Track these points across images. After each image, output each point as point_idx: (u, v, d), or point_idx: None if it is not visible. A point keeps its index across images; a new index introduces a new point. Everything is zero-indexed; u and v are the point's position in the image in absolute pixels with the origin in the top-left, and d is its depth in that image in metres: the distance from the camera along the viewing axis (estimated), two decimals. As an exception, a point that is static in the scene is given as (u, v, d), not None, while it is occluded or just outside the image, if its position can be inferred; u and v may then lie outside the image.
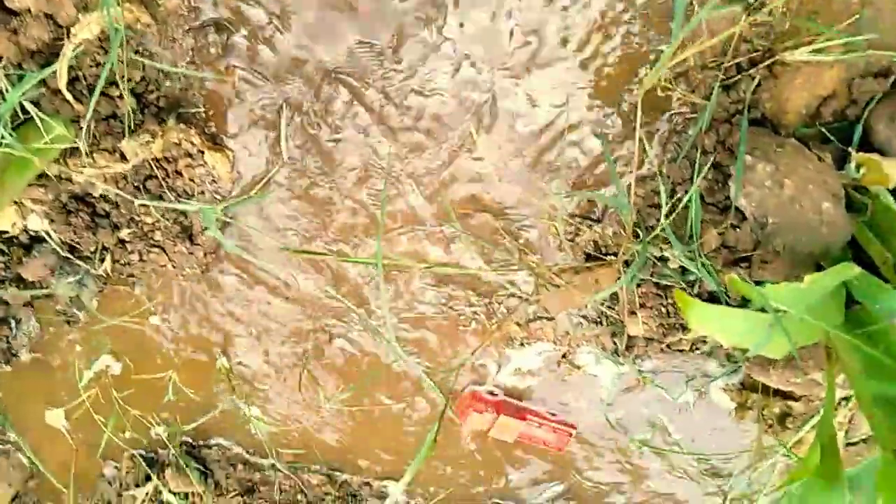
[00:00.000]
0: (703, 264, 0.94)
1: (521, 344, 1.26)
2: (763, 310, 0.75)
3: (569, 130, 0.98)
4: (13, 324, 1.26)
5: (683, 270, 1.02)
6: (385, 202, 1.01)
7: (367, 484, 1.49)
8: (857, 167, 0.83)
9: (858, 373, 0.81)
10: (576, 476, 1.46)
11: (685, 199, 0.87)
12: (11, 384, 1.40)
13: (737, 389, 1.31)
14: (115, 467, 1.52)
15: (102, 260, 1.06)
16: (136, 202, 0.97)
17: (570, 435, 1.35)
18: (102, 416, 1.40)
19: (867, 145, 0.87)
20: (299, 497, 1.48)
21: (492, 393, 1.33)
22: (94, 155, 0.97)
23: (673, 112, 0.97)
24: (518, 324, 1.22)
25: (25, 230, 1.09)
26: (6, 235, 1.10)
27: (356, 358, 1.30)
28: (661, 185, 0.83)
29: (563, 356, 1.27)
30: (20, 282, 1.17)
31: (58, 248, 1.09)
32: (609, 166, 0.92)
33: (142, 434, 1.45)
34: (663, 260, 1.02)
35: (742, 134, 0.83)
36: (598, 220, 1.07)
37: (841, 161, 0.87)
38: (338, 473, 1.49)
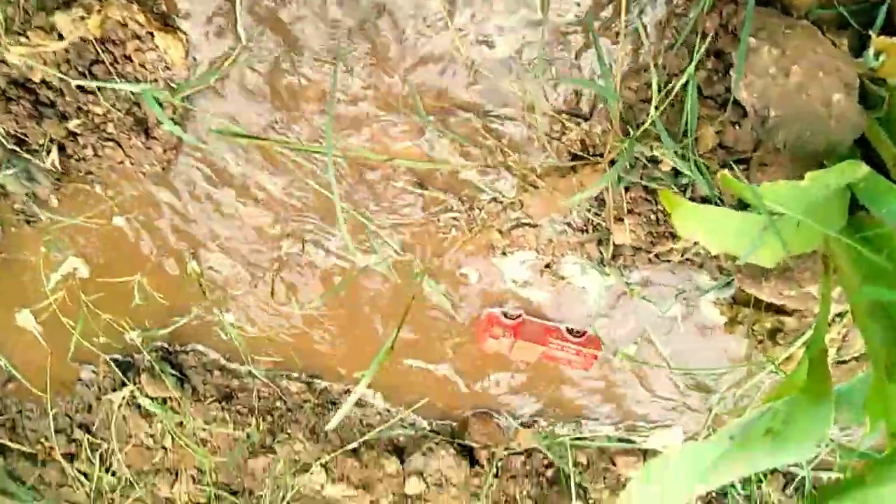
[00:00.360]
0: (696, 164, 0.86)
1: (504, 253, 1.20)
2: (757, 213, 0.67)
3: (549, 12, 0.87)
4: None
5: (676, 173, 0.94)
6: (337, 78, 0.92)
7: (348, 392, 1.48)
8: (877, 54, 0.73)
9: (856, 282, 0.75)
10: (559, 389, 1.43)
11: (676, 86, 0.77)
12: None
13: (728, 303, 1.25)
14: (93, 371, 1.50)
15: (49, 152, 0.98)
16: (73, 83, 0.88)
17: (596, 357, 1.30)
18: (74, 319, 1.36)
19: (890, 29, 0.77)
20: (278, 404, 1.46)
21: (509, 315, 1.28)
22: (28, 33, 0.87)
23: (673, -8, 0.86)
24: (500, 231, 1.15)
25: (-33, 120, 1.01)
26: (-52, 125, 1.03)
27: (330, 263, 1.24)
28: (653, 70, 0.74)
29: (547, 266, 1.21)
30: (-30, 177, 1.10)
31: (3, 140, 1.01)
32: (596, 49, 0.82)
33: (116, 339, 1.42)
34: (654, 161, 0.93)
35: (748, 11, 0.73)
36: (586, 118, 0.97)
37: (859, 48, 0.77)
38: (317, 381, 1.46)
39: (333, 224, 1.18)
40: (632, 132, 0.87)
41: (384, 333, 1.35)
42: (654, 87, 0.76)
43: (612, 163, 0.97)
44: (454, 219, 1.15)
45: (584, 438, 1.51)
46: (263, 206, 1.17)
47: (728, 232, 0.68)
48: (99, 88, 0.96)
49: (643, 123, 0.89)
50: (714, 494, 1.57)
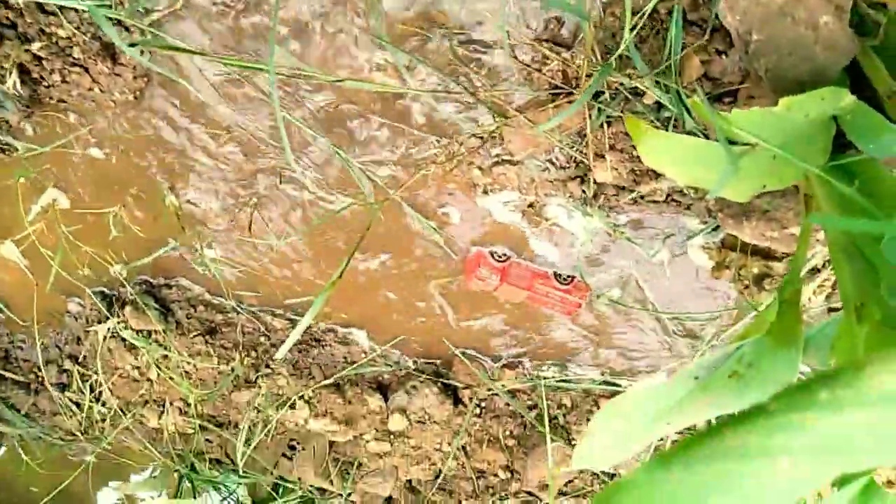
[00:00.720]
0: (678, 96, 0.82)
1: (485, 191, 1.17)
2: (728, 142, 0.63)
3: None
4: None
5: (660, 107, 0.90)
6: None
7: (331, 330, 1.47)
8: (873, -26, 0.68)
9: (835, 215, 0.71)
10: (544, 331, 1.42)
11: (648, 8, 0.72)
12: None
13: (716, 248, 1.22)
14: (80, 304, 1.51)
15: (10, 75, 0.95)
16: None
17: (579, 305, 1.29)
18: (56, 251, 1.36)
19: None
20: (262, 339, 1.47)
21: (497, 256, 1.25)
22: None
23: None
24: (480, 168, 1.12)
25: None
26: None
27: (307, 200, 1.22)
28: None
29: (530, 206, 1.18)
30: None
31: (-35, 63, 0.98)
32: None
33: (101, 272, 1.42)
34: (637, 94, 0.89)
35: (734, -74, 0.67)
36: (568, 47, 0.92)
37: (855, -32, 0.71)
38: (300, 318, 1.46)
39: (308, 159, 1.15)
40: (609, 60, 0.82)
41: (367, 270, 1.34)
42: (627, 5, 0.71)
43: (598, 97, 0.93)
44: (434, 154, 1.12)
45: (569, 381, 1.51)
46: (236, 141, 1.14)
47: (697, 163, 0.64)
48: (60, 8, 0.92)
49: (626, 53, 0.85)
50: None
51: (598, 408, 1.54)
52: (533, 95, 0.96)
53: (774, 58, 0.66)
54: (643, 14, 0.76)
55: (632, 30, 0.86)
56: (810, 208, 0.78)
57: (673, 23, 0.78)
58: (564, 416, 1.55)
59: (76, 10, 0.94)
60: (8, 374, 1.64)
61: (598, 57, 0.86)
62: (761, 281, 1.16)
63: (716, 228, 1.19)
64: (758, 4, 0.65)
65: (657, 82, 0.84)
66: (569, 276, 1.27)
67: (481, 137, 1.06)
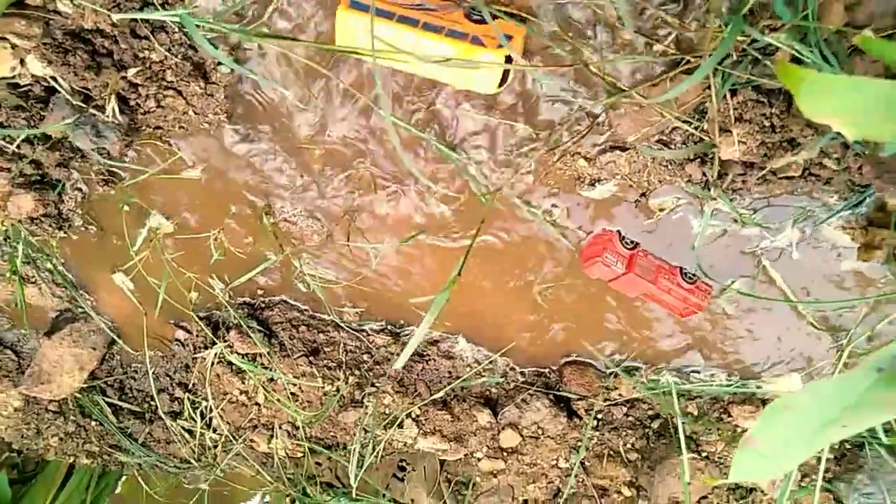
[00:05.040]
0: (820, 48, 0.71)
1: (591, 183, 1.08)
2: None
3: None
4: (58, 188, 1.22)
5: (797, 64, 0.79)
6: None
7: (435, 343, 1.42)
8: None
9: None
10: (662, 332, 1.31)
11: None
12: (73, 250, 1.39)
13: (861, 226, 1.07)
14: (187, 330, 1.53)
15: (109, 102, 0.96)
16: (114, 17, 0.84)
17: (700, 308, 1.15)
18: (161, 276, 1.38)
19: None
20: (365, 357, 1.43)
21: (626, 242, 1.14)
22: (74, -24, 0.84)
23: None
24: (586, 158, 1.03)
25: (34, 78, 1.00)
26: (19, 87, 1.03)
27: (408, 207, 1.17)
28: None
29: (643, 195, 1.08)
30: (47, 140, 1.11)
31: (69, 97, 1.00)
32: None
33: (206, 297, 1.43)
34: (767, 54, 0.78)
35: None
36: (682, 10, 0.83)
37: None
38: (403, 331, 1.41)
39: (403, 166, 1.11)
40: (740, 12, 0.72)
41: (470, 275, 1.27)
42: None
43: (721, 66, 0.83)
44: (532, 149, 1.05)
45: (699, 384, 1.37)
46: (328, 151, 1.11)
47: (873, 110, 0.53)
48: (151, 31, 0.92)
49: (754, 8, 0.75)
50: (847, 447, 1.39)
51: (729, 415, 1.40)
52: (646, 66, 0.87)
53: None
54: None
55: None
56: None
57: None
58: (691, 424, 1.42)
59: (166, 32, 0.94)
60: (125, 405, 1.68)
61: (725, 13, 0.77)
62: (921, 260, 1.01)
63: (858, 203, 1.05)
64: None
65: (794, 29, 0.74)
66: (693, 275, 1.16)
67: (587, 122, 0.98)
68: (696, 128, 0.91)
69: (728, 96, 0.84)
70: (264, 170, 1.17)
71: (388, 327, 1.41)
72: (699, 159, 0.97)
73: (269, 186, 1.20)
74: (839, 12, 0.72)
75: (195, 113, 1.06)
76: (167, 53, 0.96)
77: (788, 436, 0.68)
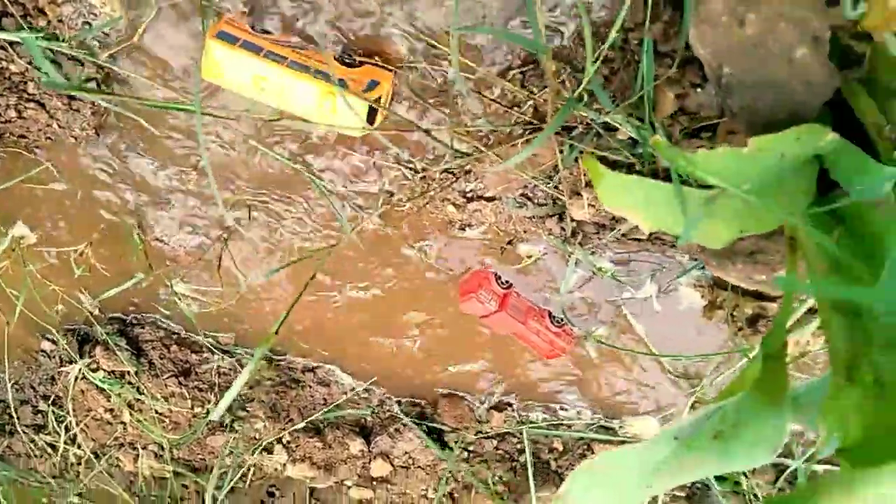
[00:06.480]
0: (651, 127, 0.76)
1: (462, 228, 1.11)
2: (696, 186, 0.57)
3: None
4: None
5: (635, 143, 0.84)
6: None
7: (312, 370, 1.41)
8: (855, 3, 0.62)
9: (822, 269, 0.65)
10: (533, 372, 1.35)
11: (610, 38, 0.67)
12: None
13: (708, 286, 1.15)
14: (53, 342, 1.46)
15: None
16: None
17: (565, 351, 1.21)
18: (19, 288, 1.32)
19: (876, -26, 0.65)
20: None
21: (501, 282, 1.18)
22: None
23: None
24: (455, 204, 1.06)
25: None
26: None
27: (283, 235, 1.17)
28: (584, 16, 0.63)
29: (509, 242, 1.12)
30: None
31: (-83, 100, 0.95)
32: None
33: (76, 311, 1.37)
34: (610, 129, 0.83)
35: (701, -49, 0.62)
36: (539, 82, 0.87)
37: (838, -5, 0.66)
38: (279, 357, 1.40)
39: (281, 194, 1.11)
40: (572, 92, 0.77)
41: (347, 305, 1.28)
42: (588, 36, 0.65)
43: (570, 131, 0.88)
44: (408, 189, 1.07)
45: (560, 424, 1.43)
46: (202, 175, 1.10)
47: (663, 207, 0.58)
48: (10, 44, 0.89)
49: (595, 82, 0.79)
50: (698, 485, 1.48)
51: (592, 451, 1.47)
52: (505, 131, 0.91)
53: (747, 93, 0.60)
54: (613, 45, 0.71)
55: (602, 61, 0.81)
56: (795, 252, 0.72)
57: (644, 54, 0.73)
58: (556, 460, 1.47)
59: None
60: (-17, 415, 1.59)
61: (569, 90, 0.81)
62: (756, 323, 1.09)
63: (704, 266, 1.12)
64: (728, 35, 0.60)
65: (631, 115, 0.79)
66: (562, 319, 1.21)
67: (453, 173, 1.01)
68: (554, 187, 0.96)
69: (578, 161, 0.89)
70: (137, 186, 1.14)
71: (268, 353, 1.40)
72: (558, 216, 1.01)
73: (141, 203, 1.17)
74: (671, 100, 0.77)
75: (60, 126, 1.02)
76: (28, 66, 0.93)
77: (596, 497, 0.72)
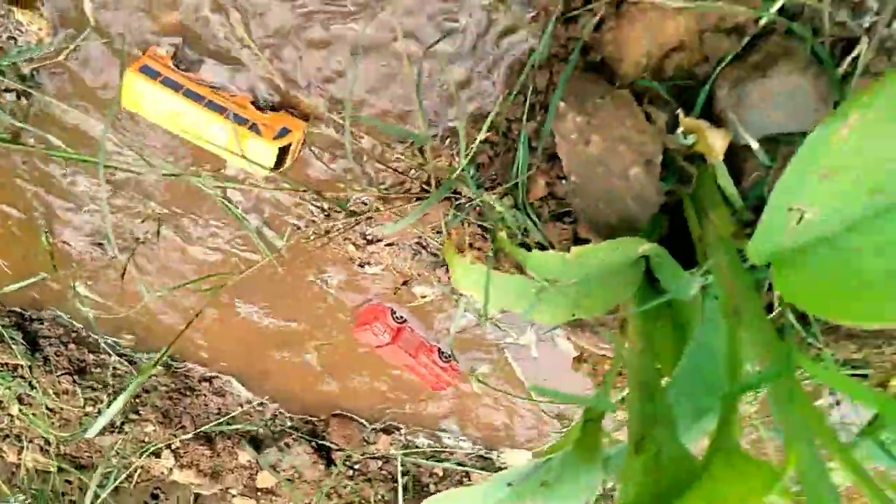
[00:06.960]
0: (525, 211, 0.87)
1: (361, 266, 1.20)
2: (533, 279, 0.68)
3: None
4: None
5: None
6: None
7: (208, 380, 1.46)
8: (685, 134, 0.75)
9: (638, 350, 0.77)
10: (424, 400, 1.45)
11: (484, 130, 0.77)
12: None
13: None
14: (-54, 328, 1.46)
15: None
16: None
17: (449, 384, 1.33)
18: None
19: (710, 111, 0.78)
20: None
21: (396, 317, 1.27)
22: None
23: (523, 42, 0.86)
24: (355, 244, 1.15)
25: None
26: None
27: (188, 251, 1.22)
28: (460, 118, 0.74)
29: (404, 283, 1.21)
30: None
31: None
32: (416, 91, 0.82)
33: (-28, 299, 1.38)
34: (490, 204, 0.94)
35: (564, 76, 0.73)
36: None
37: (675, 125, 0.78)
38: (177, 364, 1.45)
39: (192, 209, 1.16)
40: (449, 178, 0.87)
41: (249, 322, 1.34)
42: (462, 134, 0.75)
43: (457, 196, 0.98)
44: (316, 225, 1.15)
45: (443, 451, 1.53)
46: (119, 182, 1.14)
47: (507, 292, 0.68)
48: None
49: (480, 166, 0.90)
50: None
51: (469, 479, 1.57)
52: (400, 191, 1.00)
53: (589, 199, 0.72)
54: (498, 130, 0.81)
55: (489, 143, 0.92)
56: (625, 331, 0.84)
57: (520, 145, 0.84)
58: (436, 484, 1.57)
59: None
60: None
61: (456, 165, 0.91)
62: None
63: (581, 322, 1.24)
64: (576, 151, 0.71)
65: (507, 194, 0.89)
66: (449, 356, 1.31)
67: (356, 216, 1.09)
68: (441, 243, 1.06)
69: (464, 224, 0.99)
70: (50, 189, 1.17)
71: (166, 359, 1.44)
72: (446, 266, 1.11)
73: (52, 205, 1.20)
74: (542, 186, 0.88)
75: (-23, 128, 1.05)
76: (-51, 70, 0.96)
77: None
